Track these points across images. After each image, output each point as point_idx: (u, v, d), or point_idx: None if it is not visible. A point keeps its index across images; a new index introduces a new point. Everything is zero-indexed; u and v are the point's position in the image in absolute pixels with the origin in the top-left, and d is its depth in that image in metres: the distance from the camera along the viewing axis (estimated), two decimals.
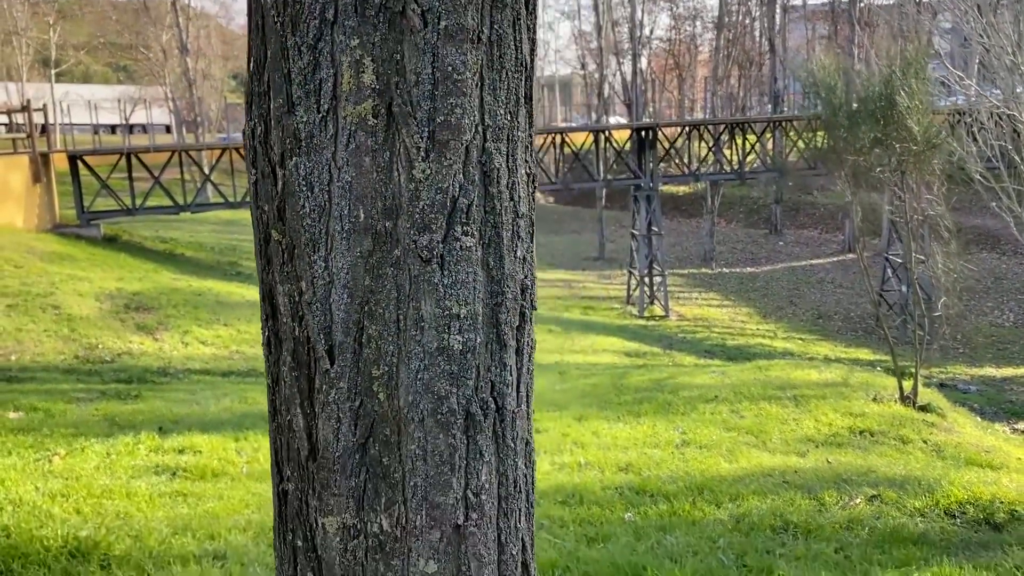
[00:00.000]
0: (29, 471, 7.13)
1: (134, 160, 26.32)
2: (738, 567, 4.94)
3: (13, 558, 4.66)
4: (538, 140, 31.17)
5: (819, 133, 19.97)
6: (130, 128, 31.88)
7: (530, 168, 1.27)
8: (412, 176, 1.17)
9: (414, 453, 1.21)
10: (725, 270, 36.82)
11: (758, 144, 31.03)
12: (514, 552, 1.29)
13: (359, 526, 1.22)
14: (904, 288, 22.72)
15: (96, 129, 30.64)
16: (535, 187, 1.30)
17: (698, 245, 39.98)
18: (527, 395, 1.31)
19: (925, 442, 9.51)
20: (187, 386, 14.60)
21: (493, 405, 1.25)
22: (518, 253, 1.27)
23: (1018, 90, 16.34)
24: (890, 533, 5.71)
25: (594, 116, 41.68)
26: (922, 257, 13.78)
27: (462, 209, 1.19)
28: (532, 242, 1.29)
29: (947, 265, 11.86)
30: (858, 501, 6.52)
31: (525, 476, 1.32)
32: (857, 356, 21.86)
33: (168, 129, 44.91)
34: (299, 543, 1.25)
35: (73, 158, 25.95)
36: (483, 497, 1.25)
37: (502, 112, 1.22)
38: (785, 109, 37.21)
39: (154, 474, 7.35)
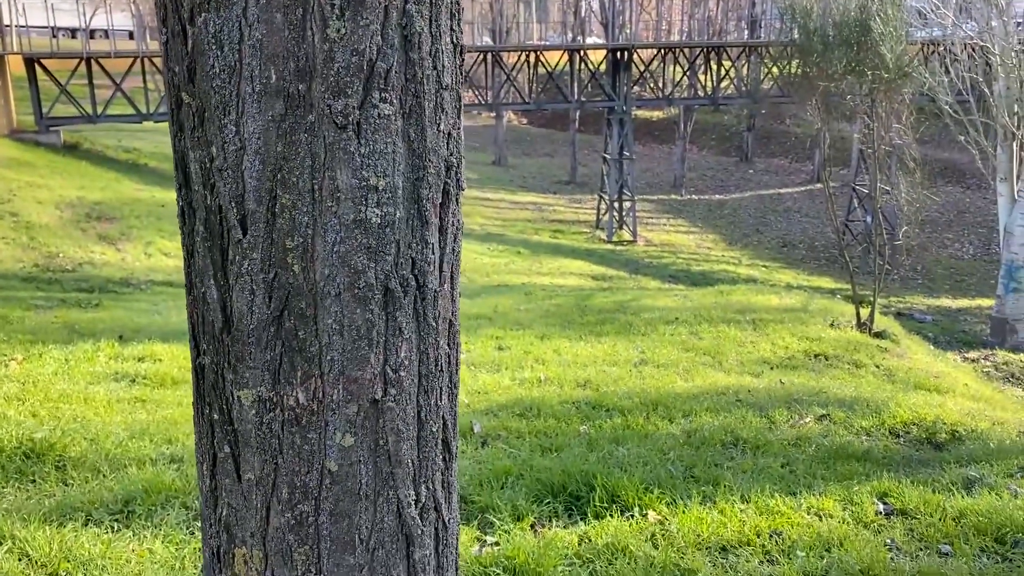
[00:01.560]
0: None
1: (95, 66, 25.46)
2: (686, 477, 5.07)
3: None
4: (512, 58, 30.59)
5: (794, 60, 19.79)
6: (91, 33, 30.68)
7: (456, 38, 1.22)
8: (326, 36, 1.11)
9: (331, 327, 1.19)
10: (694, 197, 36.89)
11: (733, 69, 30.74)
12: (434, 429, 1.30)
13: (275, 399, 1.21)
14: (868, 219, 22.95)
15: (54, 32, 29.48)
16: (462, 59, 1.25)
17: (669, 171, 39.91)
18: (452, 276, 1.30)
19: (877, 367, 9.74)
20: (149, 297, 14.48)
21: (414, 282, 1.23)
22: (442, 127, 1.22)
23: (993, 23, 16.28)
24: (836, 450, 5.87)
25: (570, 35, 40.86)
26: (887, 188, 13.89)
27: (380, 74, 1.14)
28: (459, 118, 1.25)
29: (910, 195, 11.97)
30: (807, 420, 6.69)
31: (448, 356, 1.31)
32: (819, 284, 22.19)
33: (131, 35, 43.25)
34: (216, 416, 1.24)
35: (30, 61, 25.03)
36: (402, 373, 1.24)
37: None
38: (762, 35, 36.77)
39: (113, 381, 7.33)
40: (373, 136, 1.15)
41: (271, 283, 1.17)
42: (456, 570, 1.40)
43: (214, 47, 1.13)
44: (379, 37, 1.13)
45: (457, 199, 1.28)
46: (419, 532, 1.28)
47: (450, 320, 1.31)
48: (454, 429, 1.34)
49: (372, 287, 1.19)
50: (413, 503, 1.27)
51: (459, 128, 1.26)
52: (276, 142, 1.14)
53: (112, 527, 3.98)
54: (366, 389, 1.21)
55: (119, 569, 3.57)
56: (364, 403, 1.22)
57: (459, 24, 1.23)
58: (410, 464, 1.27)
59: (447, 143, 1.24)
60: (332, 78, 1.13)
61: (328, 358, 1.20)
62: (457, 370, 1.35)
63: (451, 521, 1.36)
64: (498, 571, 3.77)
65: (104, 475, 4.75)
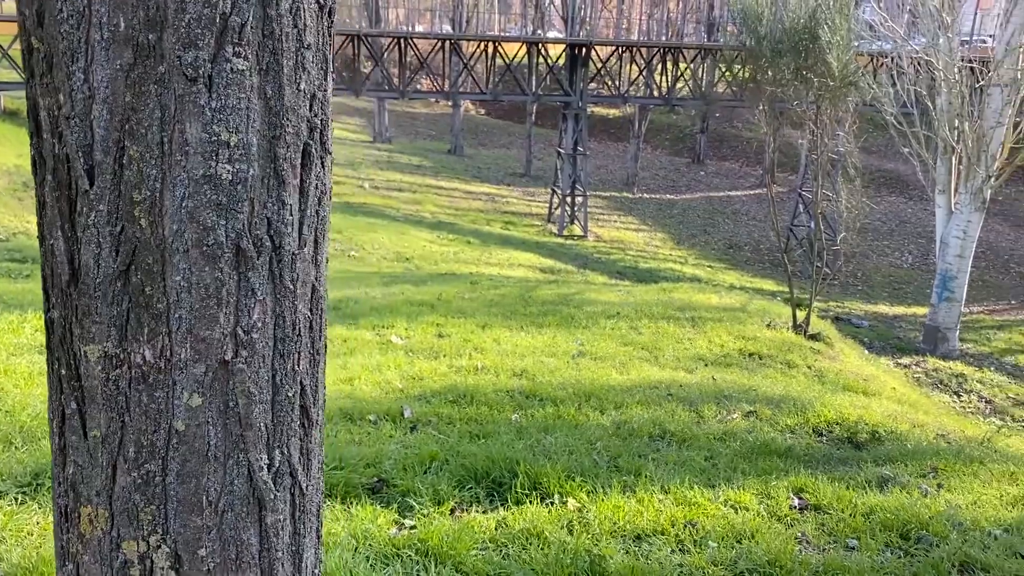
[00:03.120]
0: None
1: None
2: (609, 467, 5.13)
3: None
4: (470, 47, 30.48)
5: (746, 65, 20.08)
6: None
7: None
8: None
9: (179, 284, 1.17)
10: (645, 195, 37.22)
11: (689, 71, 31.07)
12: (290, 394, 1.28)
13: (121, 356, 1.19)
14: (812, 224, 23.42)
15: None
16: (331, 21, 1.24)
17: (622, 169, 40.21)
18: (315, 239, 1.28)
19: (809, 367, 9.94)
20: None
21: (269, 243, 1.21)
22: (302, 86, 1.21)
23: (940, 40, 16.70)
24: (759, 446, 5.98)
25: (530, 28, 40.88)
26: (830, 195, 14.17)
27: (234, 28, 1.12)
28: (326, 80, 1.24)
29: (850, 202, 12.23)
30: (735, 416, 6.81)
31: (309, 321, 1.30)
32: (761, 286, 22.57)
33: None
34: (63, 372, 1.22)
35: None
36: (255, 335, 1.22)
37: None
38: (720, 39, 37.19)
39: (38, 353, 7.15)
40: (225, 91, 1.13)
41: (118, 236, 1.15)
42: (318, 537, 1.39)
43: None
44: None
45: (322, 162, 1.26)
46: (272, 497, 1.27)
47: (313, 285, 1.29)
48: (315, 395, 1.33)
49: (222, 245, 1.17)
50: (266, 467, 1.26)
51: (325, 90, 1.25)
52: (125, 92, 1.12)
53: (17, 499, 3.89)
54: (215, 349, 1.20)
55: (20, 541, 3.49)
56: (213, 363, 1.20)
57: None
58: (263, 428, 1.25)
59: (310, 104, 1.23)
60: (183, 29, 1.11)
61: (176, 316, 1.18)
62: (321, 336, 1.34)
63: (310, 488, 1.35)
64: (411, 553, 3.77)
65: (16, 447, 4.64)
